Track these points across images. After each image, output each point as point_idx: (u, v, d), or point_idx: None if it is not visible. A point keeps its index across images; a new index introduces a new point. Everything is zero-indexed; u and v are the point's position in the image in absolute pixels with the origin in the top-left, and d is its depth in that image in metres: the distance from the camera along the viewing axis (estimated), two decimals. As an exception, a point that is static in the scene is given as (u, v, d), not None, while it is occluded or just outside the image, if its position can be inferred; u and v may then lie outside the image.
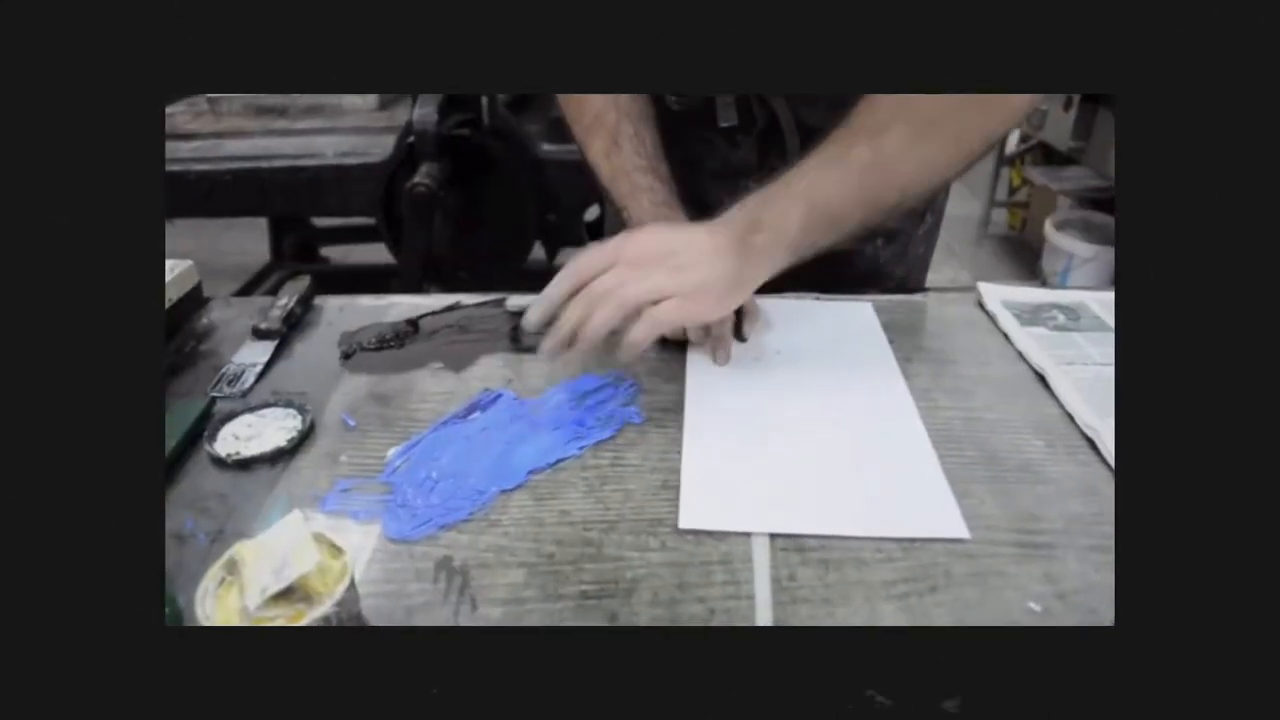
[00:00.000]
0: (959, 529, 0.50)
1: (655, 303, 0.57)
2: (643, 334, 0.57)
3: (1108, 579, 0.47)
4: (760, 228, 0.59)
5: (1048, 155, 3.10)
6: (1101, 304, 0.77)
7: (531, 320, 0.59)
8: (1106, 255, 2.58)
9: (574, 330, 0.57)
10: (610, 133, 0.74)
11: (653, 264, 0.57)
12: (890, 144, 0.58)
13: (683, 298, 0.57)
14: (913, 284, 0.92)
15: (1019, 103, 0.61)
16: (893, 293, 0.87)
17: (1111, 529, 0.50)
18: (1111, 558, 0.48)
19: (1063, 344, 0.71)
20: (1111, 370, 0.66)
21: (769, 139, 0.80)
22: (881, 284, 0.88)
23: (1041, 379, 0.66)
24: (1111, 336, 0.72)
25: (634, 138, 0.74)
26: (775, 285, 0.82)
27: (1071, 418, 0.61)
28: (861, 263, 0.87)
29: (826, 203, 0.59)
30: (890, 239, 0.87)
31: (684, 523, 0.51)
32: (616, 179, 0.74)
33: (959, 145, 0.59)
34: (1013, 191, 3.46)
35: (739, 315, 0.71)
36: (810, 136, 0.78)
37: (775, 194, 0.60)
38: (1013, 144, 3.39)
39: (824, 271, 0.86)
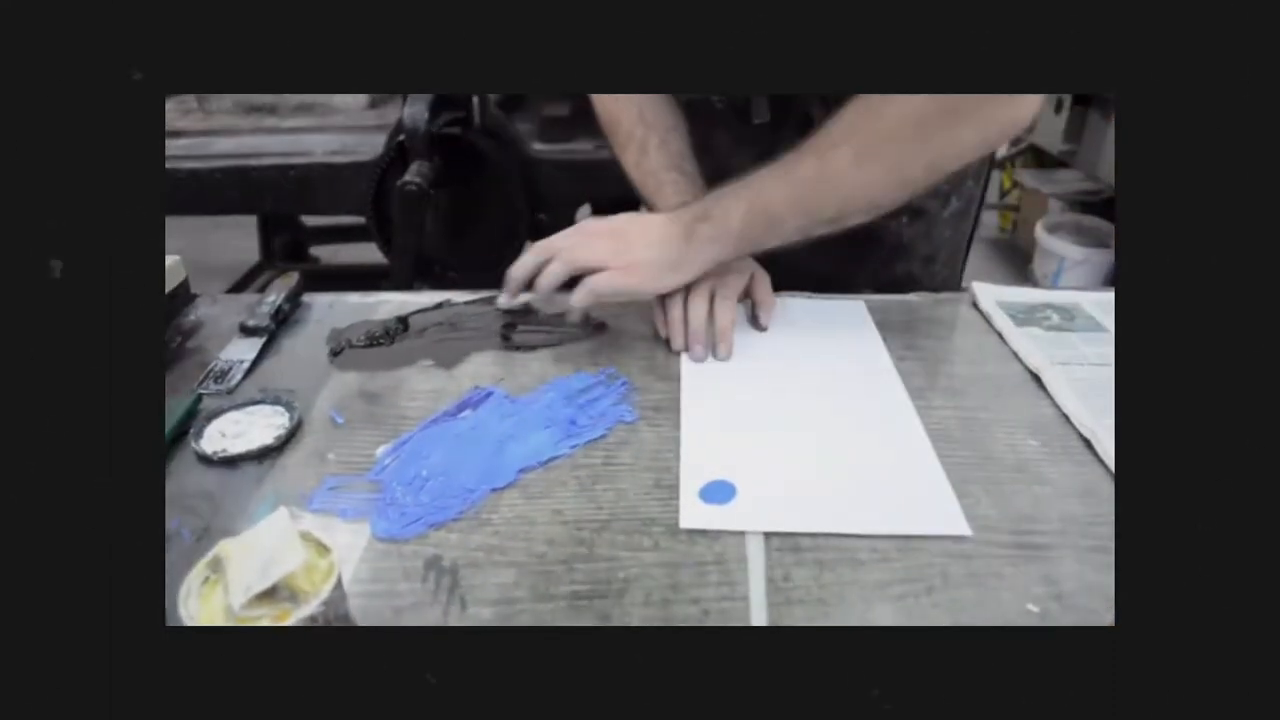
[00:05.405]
0: (960, 526, 0.50)
1: (597, 271, 0.66)
2: (580, 297, 0.67)
3: (1106, 580, 0.46)
4: (707, 218, 0.67)
5: (1039, 158, 3.11)
6: (1096, 304, 0.77)
7: (504, 296, 0.70)
8: (1098, 258, 2.58)
9: (526, 277, 0.68)
10: (639, 144, 0.83)
11: (603, 238, 0.69)
12: (834, 163, 0.64)
13: (619, 270, 0.67)
14: (946, 270, 0.93)
15: (971, 139, 0.65)
16: (921, 271, 0.89)
17: (1109, 529, 0.50)
18: (1110, 559, 0.48)
19: (1058, 344, 0.70)
20: (1107, 371, 0.66)
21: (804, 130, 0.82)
22: (909, 260, 0.90)
23: (1036, 379, 0.66)
24: (1106, 336, 0.72)
25: (660, 145, 0.82)
26: (786, 279, 0.82)
27: (1067, 418, 0.61)
28: (888, 237, 0.88)
29: (767, 207, 0.66)
30: (915, 216, 0.88)
31: (685, 523, 0.50)
32: (645, 181, 0.83)
33: (899, 173, 0.65)
34: (1004, 194, 3.46)
35: (755, 306, 0.75)
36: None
37: (727, 192, 0.68)
38: (1004, 147, 3.40)
39: (852, 246, 0.87)
